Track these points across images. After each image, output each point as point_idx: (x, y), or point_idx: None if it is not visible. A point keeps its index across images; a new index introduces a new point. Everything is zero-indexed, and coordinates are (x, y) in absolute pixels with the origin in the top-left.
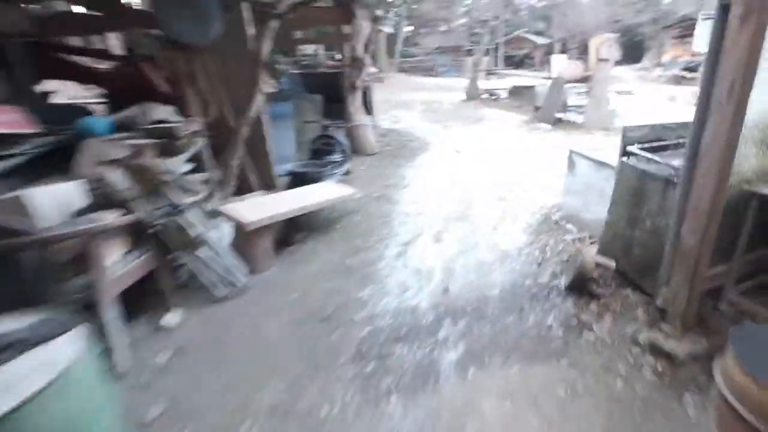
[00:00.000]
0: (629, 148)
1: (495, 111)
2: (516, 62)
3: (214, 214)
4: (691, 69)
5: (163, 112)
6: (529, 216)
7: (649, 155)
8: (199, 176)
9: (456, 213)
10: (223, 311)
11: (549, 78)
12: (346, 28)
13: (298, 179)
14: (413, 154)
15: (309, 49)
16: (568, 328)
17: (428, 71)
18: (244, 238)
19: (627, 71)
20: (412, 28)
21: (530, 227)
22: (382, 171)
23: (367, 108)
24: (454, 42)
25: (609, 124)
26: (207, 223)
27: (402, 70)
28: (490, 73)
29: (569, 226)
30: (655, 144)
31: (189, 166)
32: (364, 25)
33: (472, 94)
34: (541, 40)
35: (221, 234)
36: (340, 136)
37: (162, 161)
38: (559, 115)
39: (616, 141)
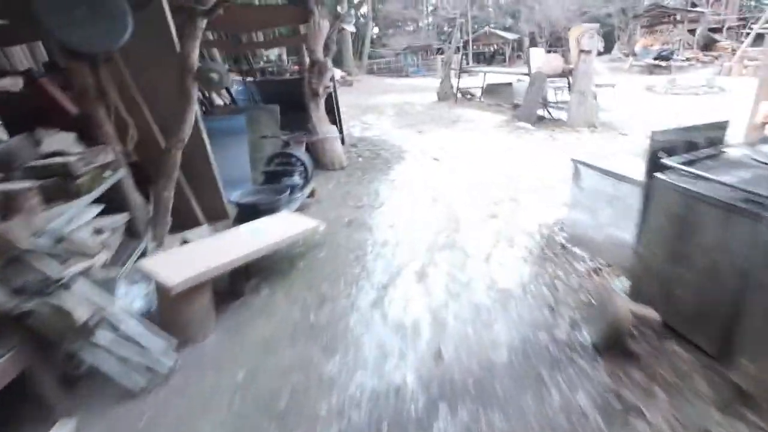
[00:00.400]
0: (665, 160)
1: (471, 111)
2: (486, 59)
3: (131, 272)
4: (664, 58)
5: (60, 140)
6: (527, 238)
7: (697, 171)
8: (109, 221)
9: (441, 238)
10: (136, 411)
11: (527, 73)
12: (304, 29)
13: (247, 212)
14: (387, 165)
15: (273, 53)
16: (609, 414)
17: (398, 72)
18: (169, 304)
19: (599, 62)
20: (377, 30)
21: (531, 253)
22: (352, 188)
23: (334, 116)
24: (422, 41)
25: (594, 120)
26: (106, 295)
27: (371, 72)
28: (462, 71)
29: (578, 250)
30: (691, 155)
31: (94, 211)
32: (324, 25)
33: (445, 94)
34: (510, 36)
35: (134, 301)
36: (300, 152)
37: (22, 222)
38: (540, 112)
39: (611, 141)
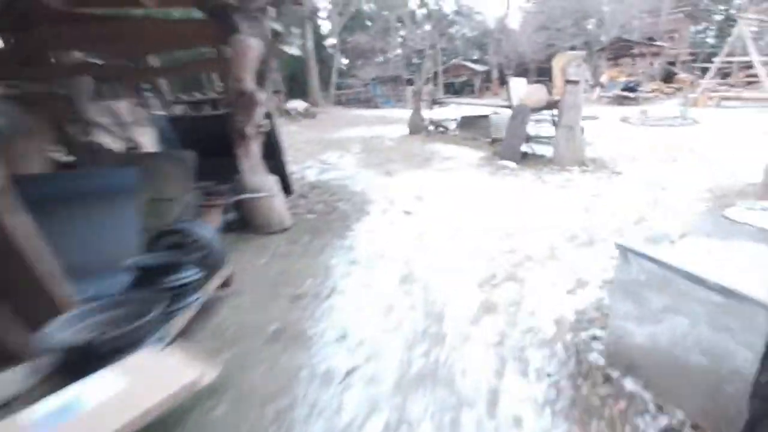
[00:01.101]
0: None
1: (446, 146)
2: (456, 90)
3: None
4: (630, 89)
5: None
6: (546, 355)
7: None
8: None
9: (416, 358)
10: None
11: (508, 105)
12: (228, 50)
13: (78, 357)
14: (345, 223)
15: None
16: None
17: (367, 103)
18: None
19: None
20: (346, 60)
21: (559, 393)
22: (292, 264)
23: (275, 162)
24: (392, 72)
25: (583, 157)
26: None
27: (339, 103)
28: (434, 102)
29: (631, 383)
30: None
31: None
32: (253, 45)
33: (416, 127)
34: (478, 67)
35: None
36: (202, 227)
37: None
38: (523, 148)
39: (607, 182)
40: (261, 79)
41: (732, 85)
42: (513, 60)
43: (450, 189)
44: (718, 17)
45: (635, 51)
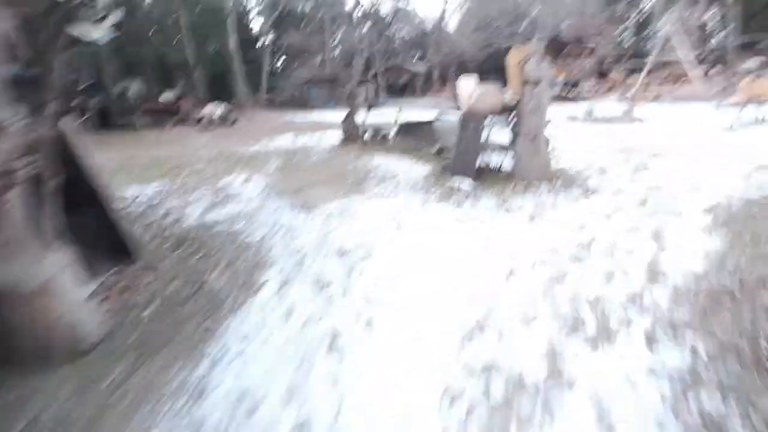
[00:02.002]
0: None
1: (385, 159)
2: (397, 90)
3: None
4: (570, 87)
5: None
6: None
7: None
8: None
9: None
10: None
11: (457, 108)
12: None
13: None
14: (209, 321)
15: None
16: None
17: (303, 105)
18: None
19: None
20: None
21: None
22: None
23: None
24: (329, 73)
25: (550, 172)
26: None
27: (272, 106)
28: (371, 106)
29: None
30: None
31: None
32: None
33: (351, 134)
34: (419, 68)
35: None
36: None
37: None
38: (478, 161)
39: (587, 208)
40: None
41: (660, 82)
42: (453, 60)
43: (388, 232)
44: (633, 21)
45: (569, 51)
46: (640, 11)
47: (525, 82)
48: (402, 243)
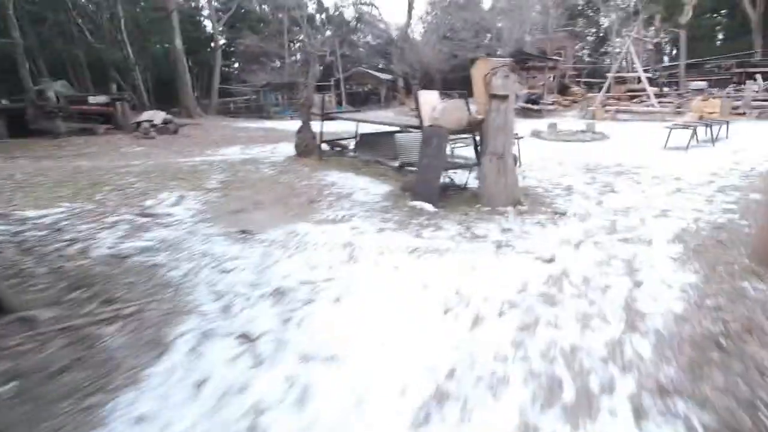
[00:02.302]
0: None
1: (341, 175)
2: (361, 99)
3: None
4: (533, 102)
5: None
6: None
7: None
8: None
9: None
10: None
11: (418, 127)
12: None
13: None
14: (93, 402)
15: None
16: None
17: (259, 112)
18: None
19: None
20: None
21: None
22: None
23: None
24: (288, 78)
25: (518, 195)
26: None
27: (226, 112)
28: (326, 116)
29: None
30: None
31: None
32: None
33: (306, 147)
34: (383, 76)
35: None
36: None
37: None
38: (441, 180)
39: (558, 234)
40: None
41: (618, 99)
42: (418, 70)
43: (338, 267)
44: (590, 38)
45: (532, 65)
46: (598, 29)
47: (491, 97)
48: (352, 282)
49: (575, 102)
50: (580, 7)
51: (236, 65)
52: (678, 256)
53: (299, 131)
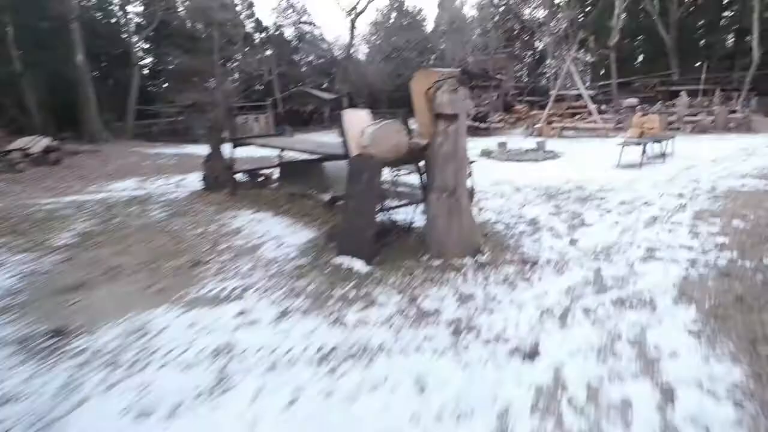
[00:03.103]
0: None
1: (253, 216)
2: (302, 120)
3: None
4: (481, 119)
5: None
6: None
7: None
8: None
9: None
10: None
11: (344, 155)
12: None
13: None
14: None
15: None
16: None
17: (184, 135)
18: None
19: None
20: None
21: None
22: None
23: None
24: (222, 99)
25: (478, 240)
26: None
27: (144, 136)
28: (237, 141)
29: None
30: None
31: None
32: None
33: (218, 178)
34: (326, 95)
35: None
36: None
37: None
38: (375, 226)
39: (536, 299)
40: None
41: (560, 116)
42: (362, 89)
43: (196, 408)
44: (528, 60)
45: (477, 84)
46: (534, 52)
47: (437, 117)
48: None
49: (520, 119)
50: (516, 32)
51: (166, 85)
52: (697, 329)
53: (207, 160)
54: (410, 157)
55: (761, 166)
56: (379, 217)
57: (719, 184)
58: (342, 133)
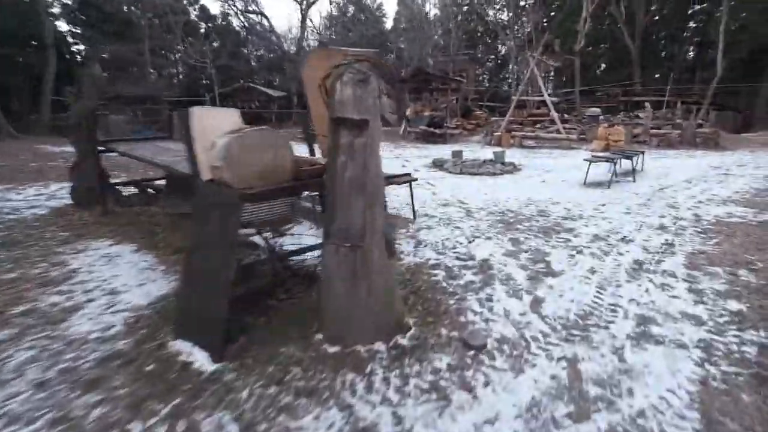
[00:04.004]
0: None
1: (106, 252)
2: (248, 119)
3: None
4: (436, 125)
5: None
6: None
7: None
8: None
9: None
10: None
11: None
12: None
13: None
14: None
15: None
16: None
17: (103, 131)
18: None
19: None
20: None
21: None
22: None
23: None
24: (153, 91)
25: (398, 315)
26: None
27: (61, 130)
28: (103, 146)
29: None
30: None
31: None
32: None
33: (87, 194)
34: (274, 93)
35: None
36: None
37: None
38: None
39: None
40: None
41: (521, 123)
42: None
43: None
44: (490, 64)
45: (435, 86)
46: (497, 56)
47: (335, 123)
48: None
49: (479, 126)
50: (479, 34)
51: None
52: None
53: (74, 166)
54: (297, 184)
55: (740, 189)
56: (253, 257)
57: (703, 213)
58: (188, 144)
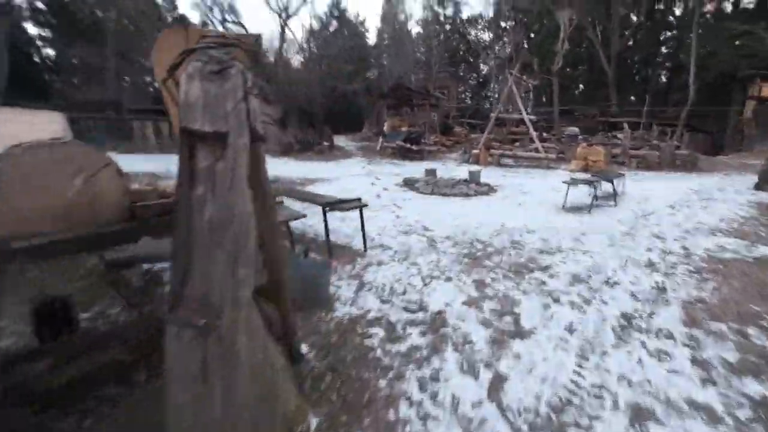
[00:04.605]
0: None
1: None
2: None
3: None
4: (413, 140)
5: None
6: None
7: None
8: None
9: None
10: None
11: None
12: None
13: None
14: None
15: None
16: None
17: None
18: None
19: (348, 141)
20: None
21: None
22: None
23: None
24: (116, 96)
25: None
26: None
27: None
28: None
29: None
30: None
31: None
32: None
33: None
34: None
35: None
36: None
37: None
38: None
39: None
40: None
41: (500, 141)
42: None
43: None
44: (472, 82)
45: (415, 101)
46: (478, 75)
47: (187, 136)
48: None
49: (458, 143)
50: (461, 53)
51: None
52: None
53: None
54: (135, 227)
55: (726, 216)
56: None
57: (692, 245)
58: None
